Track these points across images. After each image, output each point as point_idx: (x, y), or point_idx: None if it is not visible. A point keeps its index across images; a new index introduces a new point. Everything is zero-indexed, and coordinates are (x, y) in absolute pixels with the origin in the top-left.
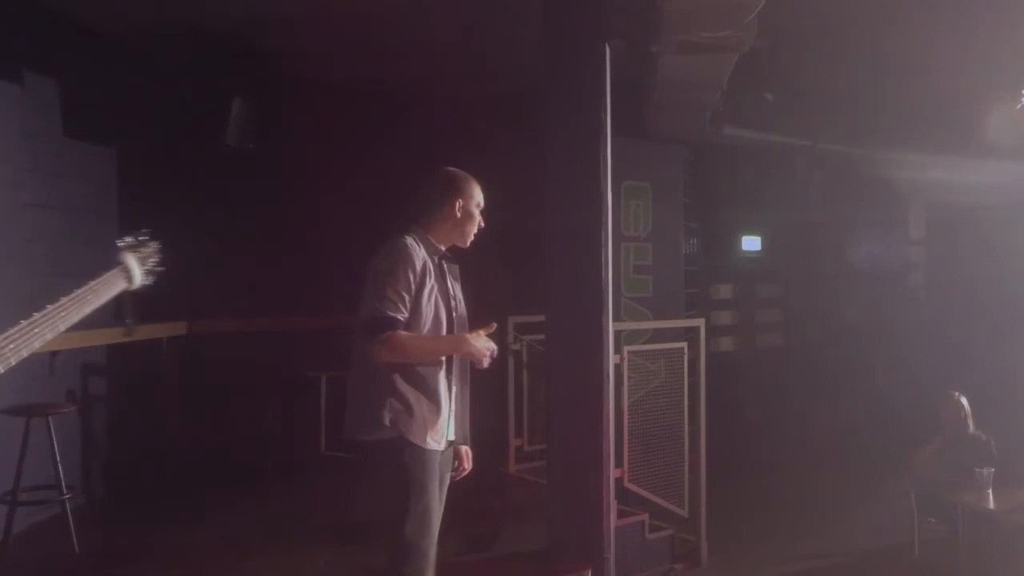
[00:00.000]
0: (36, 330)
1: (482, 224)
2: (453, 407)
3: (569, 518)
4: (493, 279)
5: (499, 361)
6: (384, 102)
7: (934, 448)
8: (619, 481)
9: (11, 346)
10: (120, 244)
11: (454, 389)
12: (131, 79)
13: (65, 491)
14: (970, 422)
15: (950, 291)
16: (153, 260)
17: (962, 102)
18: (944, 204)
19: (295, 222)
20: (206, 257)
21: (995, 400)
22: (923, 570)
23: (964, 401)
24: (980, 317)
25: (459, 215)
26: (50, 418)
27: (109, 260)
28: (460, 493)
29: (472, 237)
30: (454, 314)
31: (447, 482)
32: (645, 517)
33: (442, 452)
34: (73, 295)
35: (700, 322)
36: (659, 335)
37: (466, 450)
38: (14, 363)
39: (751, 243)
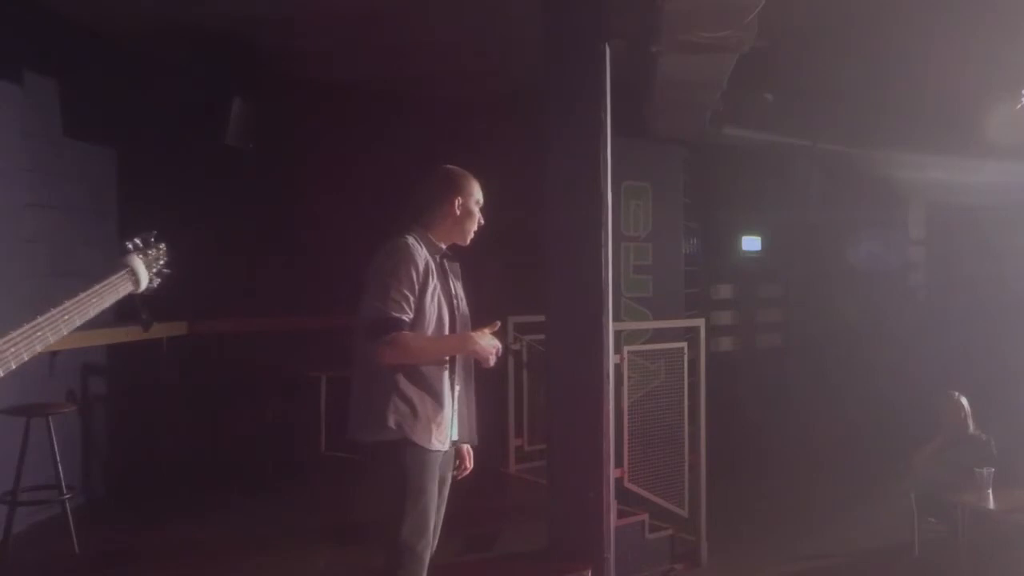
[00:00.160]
0: (38, 333)
1: (482, 221)
2: (456, 407)
3: (569, 518)
4: (493, 279)
5: (499, 361)
6: (384, 102)
7: (934, 448)
8: (619, 481)
9: (12, 349)
10: (128, 246)
11: (457, 388)
12: (131, 79)
13: (65, 491)
14: (970, 422)
15: (950, 291)
16: (161, 262)
17: (962, 102)
18: (944, 204)
19: (295, 222)
20: (206, 257)
21: (995, 400)
22: (923, 570)
23: (964, 401)
24: (980, 317)
25: (459, 213)
26: (50, 418)
27: (110, 260)
28: (460, 493)
29: (472, 235)
30: (456, 313)
31: (448, 482)
32: (645, 517)
33: (444, 452)
34: (77, 298)
35: (700, 322)
36: (659, 335)
37: (467, 449)
38: (14, 366)
39: (751, 243)
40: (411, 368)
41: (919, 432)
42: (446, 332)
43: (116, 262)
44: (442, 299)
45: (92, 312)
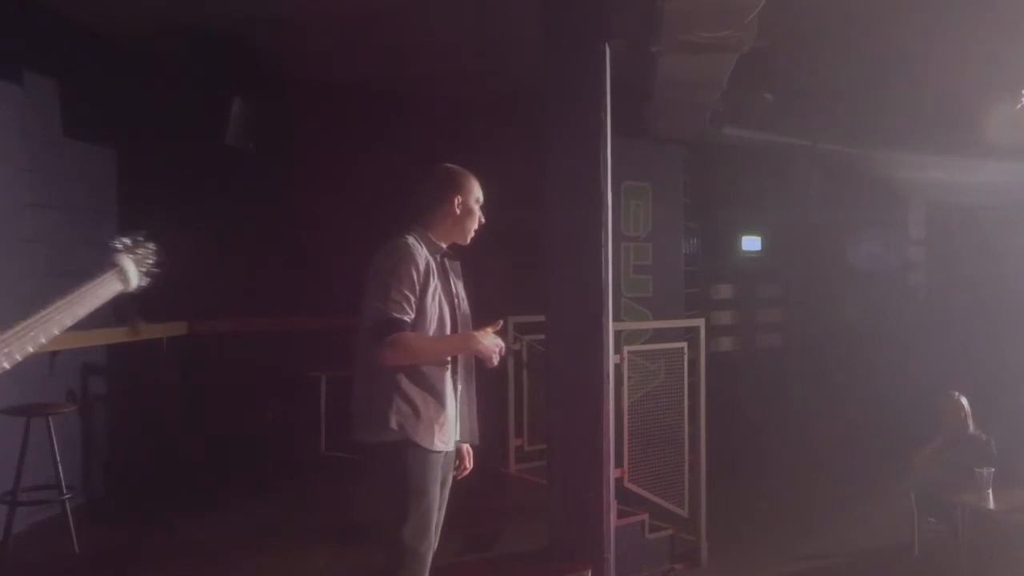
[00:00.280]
0: (31, 334)
1: (482, 220)
2: (459, 407)
3: (569, 518)
4: (493, 279)
5: (499, 361)
6: (384, 102)
7: (934, 448)
8: (619, 481)
9: (5, 350)
10: (116, 245)
11: (459, 388)
12: (131, 79)
13: (65, 491)
14: (970, 422)
15: (950, 291)
16: (150, 261)
17: (962, 102)
18: (944, 204)
19: (295, 222)
20: (206, 257)
21: (995, 400)
22: (923, 570)
23: (964, 401)
24: (980, 317)
25: (459, 212)
26: (50, 418)
27: (105, 260)
28: (460, 493)
29: (473, 233)
30: (458, 312)
31: (449, 483)
32: (645, 517)
33: (446, 453)
34: (67, 298)
35: (700, 322)
36: (659, 335)
37: (468, 449)
38: (7, 366)
39: (751, 243)
40: (413, 369)
41: (919, 432)
42: (447, 332)
43: (105, 261)
44: (443, 299)
45: (83, 312)
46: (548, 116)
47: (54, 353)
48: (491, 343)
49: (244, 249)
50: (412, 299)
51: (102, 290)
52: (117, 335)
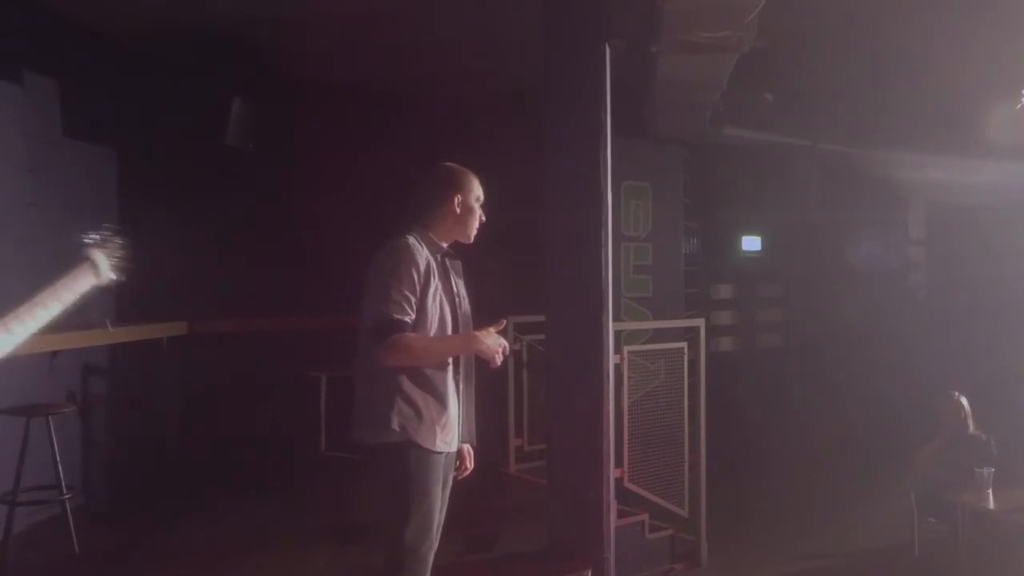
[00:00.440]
0: (8, 326)
1: (483, 218)
2: (460, 407)
3: (569, 518)
4: (493, 279)
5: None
6: (384, 102)
7: (934, 448)
8: (619, 481)
9: None
10: (86, 240)
11: (461, 388)
12: (131, 79)
13: (65, 491)
14: (970, 422)
15: (950, 291)
16: (119, 255)
17: (962, 102)
18: (944, 204)
19: (295, 222)
20: (206, 257)
21: (995, 400)
22: (923, 570)
23: (964, 401)
24: (980, 317)
25: (459, 210)
26: (50, 418)
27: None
28: (460, 493)
29: (474, 232)
30: (459, 312)
31: (450, 483)
32: (645, 517)
33: (447, 454)
34: (42, 294)
35: (700, 322)
36: (659, 335)
37: (468, 449)
38: None
39: (751, 243)
40: (414, 369)
41: (919, 432)
42: (448, 332)
43: (77, 256)
44: (444, 299)
45: (57, 306)
46: (548, 116)
47: (54, 353)
48: (493, 343)
49: (244, 249)
50: (412, 300)
51: (75, 284)
52: (117, 335)
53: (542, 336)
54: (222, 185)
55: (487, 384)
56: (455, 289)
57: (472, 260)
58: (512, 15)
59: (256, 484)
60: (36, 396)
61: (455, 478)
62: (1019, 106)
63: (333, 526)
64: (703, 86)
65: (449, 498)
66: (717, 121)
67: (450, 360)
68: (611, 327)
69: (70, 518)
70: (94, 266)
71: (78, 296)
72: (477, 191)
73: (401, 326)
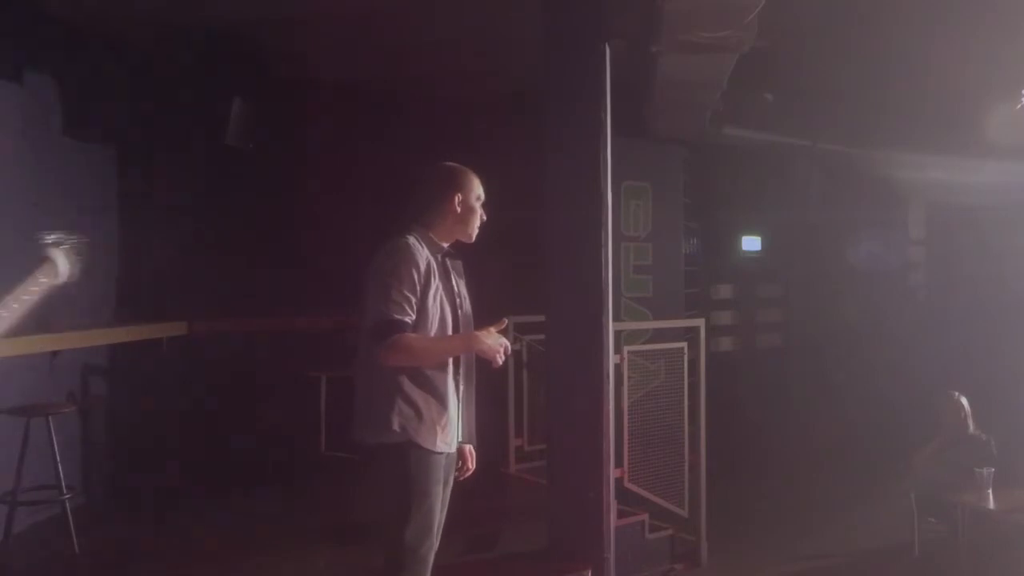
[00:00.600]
0: None
1: (484, 217)
2: (461, 407)
3: (569, 518)
4: (494, 279)
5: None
6: (384, 102)
7: (934, 448)
8: (619, 481)
9: None
10: (45, 240)
11: (461, 389)
12: (131, 79)
13: (65, 491)
14: (970, 422)
15: (950, 291)
16: (77, 255)
17: (962, 102)
18: (944, 204)
19: (295, 222)
20: (206, 257)
21: (995, 400)
22: (923, 570)
23: (964, 401)
24: (980, 317)
25: (459, 210)
26: (50, 418)
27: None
28: (461, 493)
29: (476, 231)
30: (459, 312)
31: (451, 483)
32: (645, 517)
33: (448, 454)
34: (5, 298)
35: (700, 322)
36: (659, 335)
37: (470, 449)
38: None
39: (751, 243)
40: (414, 370)
41: (919, 432)
42: (449, 332)
43: (37, 256)
44: (444, 299)
45: (20, 308)
46: (548, 116)
47: (54, 353)
48: (494, 343)
49: (244, 249)
50: (413, 300)
51: (37, 284)
52: (117, 335)
53: (542, 336)
54: (222, 185)
55: (487, 384)
56: (456, 289)
57: (472, 260)
58: (512, 15)
59: (256, 484)
60: (36, 396)
61: (456, 478)
62: (1019, 106)
63: (333, 526)
64: (703, 86)
65: (449, 498)
66: (717, 121)
67: (450, 360)
68: (611, 327)
69: (70, 518)
70: (53, 266)
71: (39, 296)
72: (478, 190)
73: (401, 326)
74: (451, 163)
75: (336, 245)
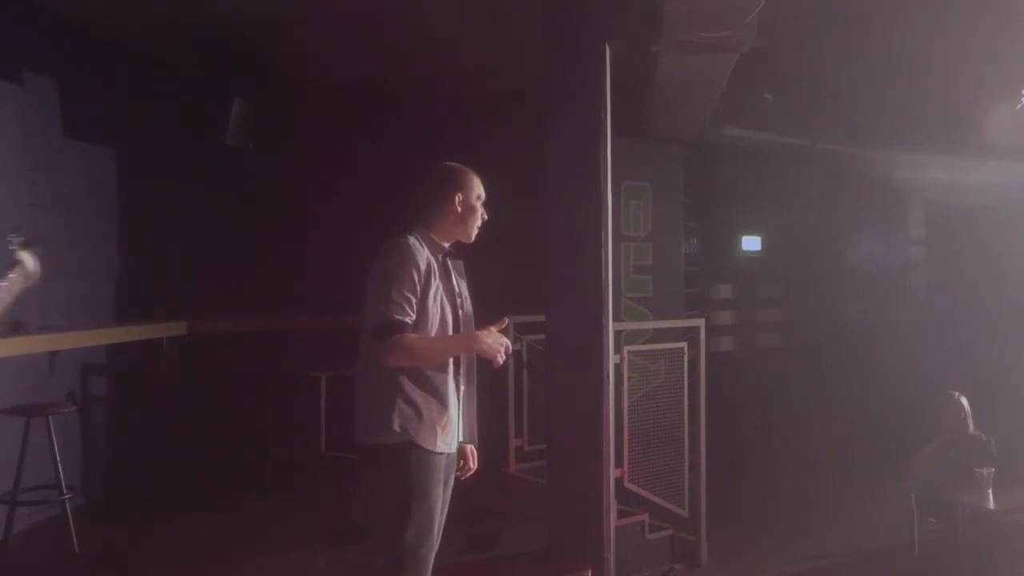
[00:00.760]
0: None
1: (486, 216)
2: (461, 407)
3: (569, 518)
4: (494, 279)
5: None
6: (384, 102)
7: (934, 448)
8: (619, 481)
9: None
10: (12, 243)
11: (462, 389)
12: (131, 79)
13: (65, 491)
14: (970, 422)
15: (950, 291)
16: (40, 252)
17: (962, 102)
18: (944, 204)
19: (295, 222)
20: (206, 257)
21: (995, 400)
22: (923, 570)
23: (964, 401)
24: (980, 317)
25: (460, 209)
26: (50, 418)
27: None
28: (461, 493)
29: (476, 231)
30: (460, 312)
31: (451, 483)
32: (645, 517)
33: (449, 454)
34: None
35: (700, 322)
36: (659, 335)
37: (471, 449)
38: None
39: (751, 243)
40: (415, 370)
41: (919, 432)
42: (450, 332)
43: (7, 259)
44: (445, 299)
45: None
46: (548, 116)
47: (54, 353)
48: (495, 342)
49: (244, 249)
50: (413, 300)
51: (11, 286)
52: (117, 335)
53: (542, 336)
54: (222, 185)
55: (487, 384)
56: (457, 289)
57: (472, 260)
58: (512, 15)
59: (256, 484)
60: (36, 396)
61: (458, 478)
62: (1019, 106)
63: (333, 526)
64: (703, 86)
65: (450, 499)
66: (717, 121)
67: (451, 360)
68: (611, 327)
69: (70, 518)
70: (24, 269)
71: (11, 298)
72: (478, 190)
73: (401, 327)
74: (452, 163)
75: (336, 245)
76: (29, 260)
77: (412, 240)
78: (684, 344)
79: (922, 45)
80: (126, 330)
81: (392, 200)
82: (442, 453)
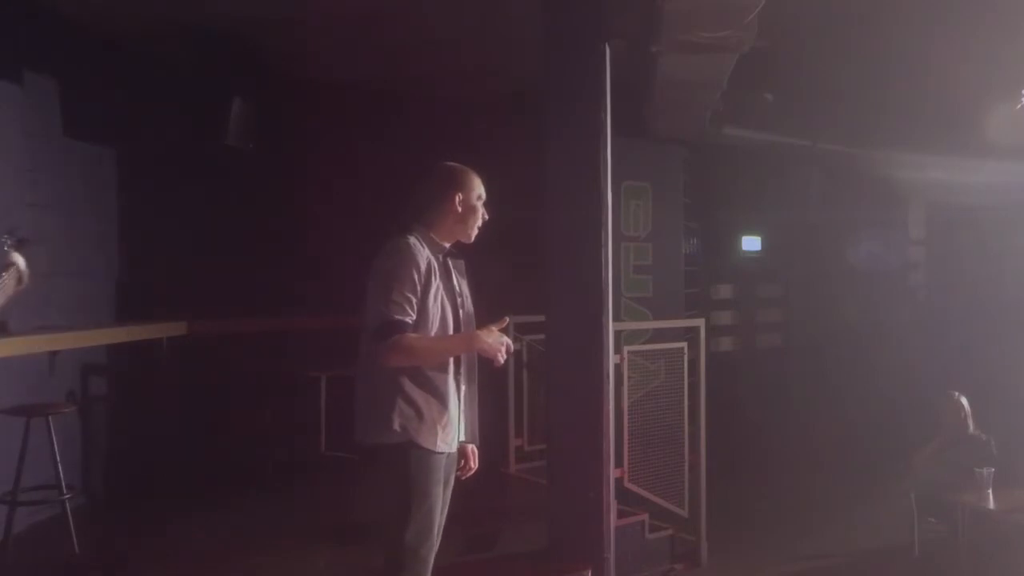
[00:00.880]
0: None
1: (486, 216)
2: (462, 407)
3: (569, 518)
4: (494, 279)
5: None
6: (384, 102)
7: (934, 448)
8: (619, 481)
9: None
10: (6, 244)
11: (462, 388)
12: (131, 79)
13: (65, 491)
14: (970, 422)
15: (950, 291)
16: (28, 259)
17: (962, 102)
18: (944, 204)
19: (295, 222)
20: (206, 257)
21: (995, 400)
22: (923, 570)
23: (964, 401)
24: (980, 317)
25: (460, 209)
26: (50, 418)
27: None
28: (461, 493)
29: (476, 231)
30: (460, 311)
31: (452, 483)
32: (645, 517)
33: (449, 454)
34: None
35: (700, 322)
36: (659, 335)
37: (472, 448)
38: None
39: (751, 243)
40: (415, 370)
41: (919, 432)
42: (450, 332)
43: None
44: (445, 299)
45: None
46: (548, 116)
47: (54, 353)
48: (495, 341)
49: (244, 249)
50: (413, 300)
51: (6, 289)
52: (118, 335)
53: (542, 336)
54: (222, 185)
55: (487, 384)
56: (457, 288)
57: (472, 260)
58: (512, 15)
59: (256, 484)
60: (36, 396)
61: (459, 477)
62: (1019, 106)
63: (333, 526)
64: (703, 86)
65: (450, 499)
66: (717, 121)
67: (451, 360)
68: (611, 327)
69: (70, 518)
70: (18, 270)
71: (4, 299)
72: (479, 189)
73: (402, 327)
74: (453, 163)
75: (336, 245)
76: (21, 261)
77: (412, 240)
78: (684, 344)
79: (922, 45)
80: (126, 330)
81: (392, 200)
82: (442, 453)
